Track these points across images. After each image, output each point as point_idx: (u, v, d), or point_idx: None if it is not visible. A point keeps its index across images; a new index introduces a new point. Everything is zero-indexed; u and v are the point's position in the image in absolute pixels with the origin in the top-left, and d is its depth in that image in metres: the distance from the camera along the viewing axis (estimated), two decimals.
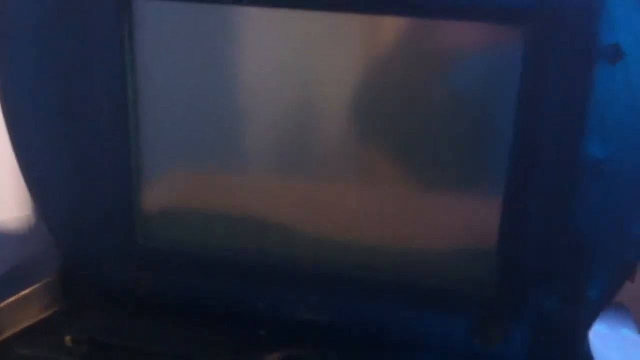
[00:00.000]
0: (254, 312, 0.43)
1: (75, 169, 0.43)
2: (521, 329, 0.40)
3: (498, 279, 0.39)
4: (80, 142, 0.42)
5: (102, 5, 0.39)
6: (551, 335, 0.40)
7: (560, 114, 0.36)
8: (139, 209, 0.43)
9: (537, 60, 0.35)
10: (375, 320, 0.42)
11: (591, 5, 0.34)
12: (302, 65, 0.39)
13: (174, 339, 0.42)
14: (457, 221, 0.39)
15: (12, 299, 0.43)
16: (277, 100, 0.40)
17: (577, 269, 0.39)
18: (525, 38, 0.35)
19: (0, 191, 0.48)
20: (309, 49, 0.39)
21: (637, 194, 0.37)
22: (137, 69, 0.40)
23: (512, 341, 0.41)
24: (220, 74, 0.40)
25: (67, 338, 0.42)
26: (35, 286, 0.44)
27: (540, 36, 0.35)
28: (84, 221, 0.44)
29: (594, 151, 0.36)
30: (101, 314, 0.44)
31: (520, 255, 0.39)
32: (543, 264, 0.39)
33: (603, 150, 0.36)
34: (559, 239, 0.38)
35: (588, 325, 0.40)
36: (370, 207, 0.40)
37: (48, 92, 0.41)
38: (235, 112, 0.40)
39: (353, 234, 0.41)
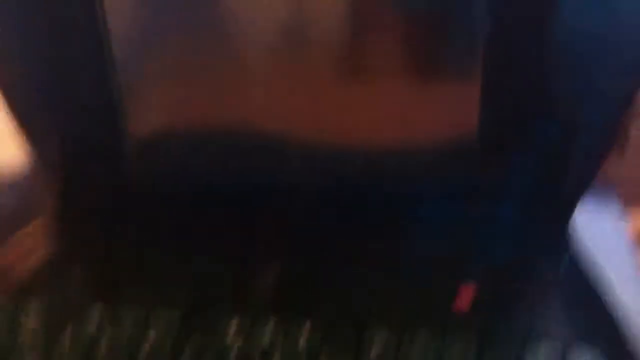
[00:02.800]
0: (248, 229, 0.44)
1: (58, 102, 0.43)
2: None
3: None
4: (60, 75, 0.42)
5: None
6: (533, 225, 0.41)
7: None
8: (127, 135, 0.43)
9: None
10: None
11: None
12: None
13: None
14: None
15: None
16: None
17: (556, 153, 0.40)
18: None
19: None
20: None
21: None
22: None
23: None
24: None
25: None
26: (31, 225, 0.45)
27: None
28: (74, 156, 0.44)
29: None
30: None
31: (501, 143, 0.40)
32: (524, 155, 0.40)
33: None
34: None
35: (570, 211, 0.41)
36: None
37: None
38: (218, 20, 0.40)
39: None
